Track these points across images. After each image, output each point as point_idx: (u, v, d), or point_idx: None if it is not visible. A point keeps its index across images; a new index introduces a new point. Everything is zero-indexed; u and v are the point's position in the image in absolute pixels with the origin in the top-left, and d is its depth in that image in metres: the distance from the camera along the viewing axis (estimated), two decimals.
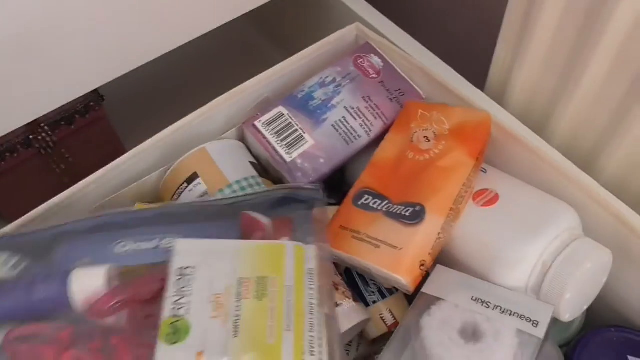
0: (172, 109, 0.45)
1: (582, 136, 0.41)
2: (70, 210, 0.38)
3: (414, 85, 0.44)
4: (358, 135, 0.42)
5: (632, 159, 0.40)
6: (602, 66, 0.38)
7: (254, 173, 0.40)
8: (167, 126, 0.41)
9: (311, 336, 0.29)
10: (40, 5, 0.38)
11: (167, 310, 0.29)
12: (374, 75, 0.44)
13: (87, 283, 0.31)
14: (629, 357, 0.36)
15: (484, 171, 0.39)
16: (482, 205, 0.37)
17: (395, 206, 0.36)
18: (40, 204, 0.37)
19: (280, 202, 0.35)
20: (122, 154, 0.40)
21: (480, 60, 0.47)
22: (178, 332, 0.28)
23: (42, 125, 0.52)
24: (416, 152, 0.39)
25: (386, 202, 0.37)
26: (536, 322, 0.32)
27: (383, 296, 0.41)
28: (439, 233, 0.35)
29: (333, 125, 0.41)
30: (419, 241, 0.35)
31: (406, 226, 0.35)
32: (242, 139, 0.44)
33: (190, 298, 0.29)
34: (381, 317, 0.41)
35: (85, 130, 0.56)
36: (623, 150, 0.40)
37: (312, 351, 0.28)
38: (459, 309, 0.33)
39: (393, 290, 0.41)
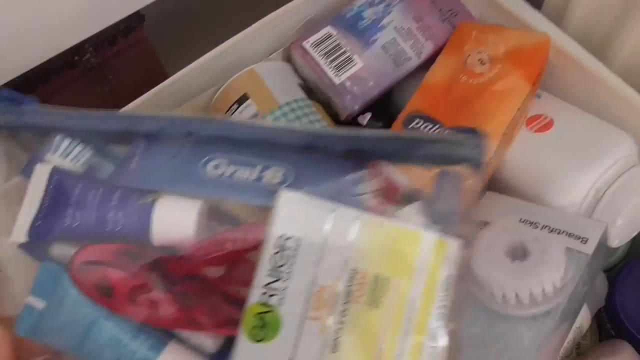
0: (212, 31, 0.44)
1: None
2: None
3: (467, 6, 0.42)
4: (408, 57, 0.40)
5: None
6: None
7: (303, 95, 0.40)
8: (207, 48, 0.40)
9: None
10: None
11: (257, 293, 0.23)
12: None
13: (174, 218, 0.25)
14: None
15: (539, 96, 0.38)
16: (535, 131, 0.36)
17: (447, 131, 0.36)
18: None
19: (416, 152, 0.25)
20: (163, 75, 0.40)
21: None
22: (266, 327, 0.22)
23: (87, 46, 0.52)
24: (470, 75, 0.38)
25: (437, 126, 0.37)
26: (585, 239, 0.31)
27: None
28: (490, 158, 0.35)
29: (383, 47, 0.40)
30: None
31: None
32: (288, 60, 0.43)
33: (287, 283, 0.22)
34: None
35: (127, 52, 0.56)
36: None
37: None
38: (507, 230, 0.34)
39: None
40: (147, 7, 0.46)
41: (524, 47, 0.37)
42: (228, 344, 0.24)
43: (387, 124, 0.40)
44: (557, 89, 0.39)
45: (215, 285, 0.25)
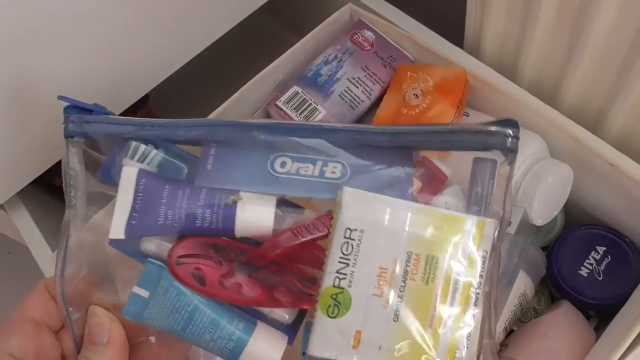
0: (204, 102, 0.54)
1: (544, 72, 0.49)
2: None
3: (404, 51, 0.53)
4: (361, 101, 0.51)
5: (585, 88, 0.48)
6: (549, 9, 0.45)
7: None
8: (201, 113, 0.50)
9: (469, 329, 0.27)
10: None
11: (330, 278, 0.26)
12: (368, 48, 0.52)
13: (255, 215, 0.28)
14: (596, 247, 0.46)
15: (467, 115, 0.48)
16: None
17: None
18: None
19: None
20: None
21: (460, 21, 0.54)
22: (339, 306, 0.26)
23: None
24: (408, 108, 0.48)
25: None
26: (509, 222, 0.39)
27: None
28: None
29: (340, 95, 0.50)
30: None
31: None
32: (267, 117, 0.53)
33: (354, 268, 0.26)
34: None
35: None
36: (578, 78, 0.47)
37: (468, 344, 0.26)
38: None
39: None
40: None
41: (447, 79, 0.47)
42: (300, 315, 0.30)
43: None
44: (482, 106, 0.48)
45: (290, 267, 0.29)
